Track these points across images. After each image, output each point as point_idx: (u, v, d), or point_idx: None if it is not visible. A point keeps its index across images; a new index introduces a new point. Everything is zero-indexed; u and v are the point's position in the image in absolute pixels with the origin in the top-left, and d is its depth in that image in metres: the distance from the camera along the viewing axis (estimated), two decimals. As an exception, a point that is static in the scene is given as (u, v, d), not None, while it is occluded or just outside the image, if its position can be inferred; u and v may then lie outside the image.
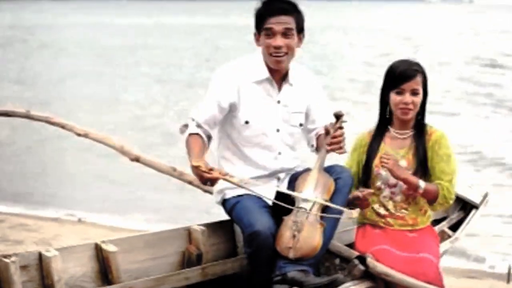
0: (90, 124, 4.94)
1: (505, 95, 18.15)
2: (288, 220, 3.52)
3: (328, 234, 3.60)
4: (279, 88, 3.81)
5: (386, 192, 3.83)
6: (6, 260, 3.31)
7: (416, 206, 3.84)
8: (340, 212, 3.56)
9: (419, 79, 3.75)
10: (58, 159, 11.09)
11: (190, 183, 4.10)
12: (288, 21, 3.68)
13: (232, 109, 3.75)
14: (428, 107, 3.90)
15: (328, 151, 3.68)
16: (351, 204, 3.75)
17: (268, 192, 3.68)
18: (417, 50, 27.58)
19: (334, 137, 3.64)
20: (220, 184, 3.83)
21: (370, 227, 3.84)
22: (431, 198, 3.78)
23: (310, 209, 3.51)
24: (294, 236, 3.46)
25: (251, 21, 3.82)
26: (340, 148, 3.67)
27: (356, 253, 3.67)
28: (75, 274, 3.54)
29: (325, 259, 3.91)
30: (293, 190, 3.66)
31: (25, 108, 4.72)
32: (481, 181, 9.07)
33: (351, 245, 3.86)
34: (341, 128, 3.69)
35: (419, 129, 3.87)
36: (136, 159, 4.39)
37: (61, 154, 11.27)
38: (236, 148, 3.82)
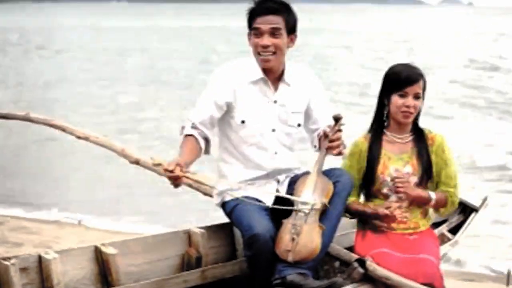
0: (88, 127, 4.94)
1: (497, 98, 18.20)
2: (287, 223, 3.52)
3: (327, 237, 3.59)
4: (276, 88, 3.81)
5: (393, 198, 3.82)
6: (6, 262, 3.32)
7: (418, 209, 3.85)
8: (339, 215, 3.56)
9: (421, 83, 3.77)
10: (56, 161, 11.08)
11: (189, 186, 4.09)
12: (276, 21, 3.69)
13: (229, 109, 3.76)
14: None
15: (326, 154, 3.68)
16: (369, 218, 3.78)
17: (267, 195, 3.68)
18: (410, 53, 27.58)
19: (333, 140, 3.64)
20: (220, 187, 3.84)
21: (370, 232, 3.84)
22: (441, 207, 3.85)
23: (309, 212, 3.51)
24: (293, 239, 3.46)
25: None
26: (339, 151, 3.67)
27: (355, 256, 3.66)
28: (75, 277, 3.54)
29: (325, 262, 3.92)
30: (292, 192, 3.66)
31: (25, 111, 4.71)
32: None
33: (350, 249, 3.85)
34: (339, 131, 3.69)
35: (418, 133, 3.88)
36: (136, 162, 4.38)
37: (58, 156, 11.27)
38: (234, 149, 3.82)
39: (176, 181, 3.42)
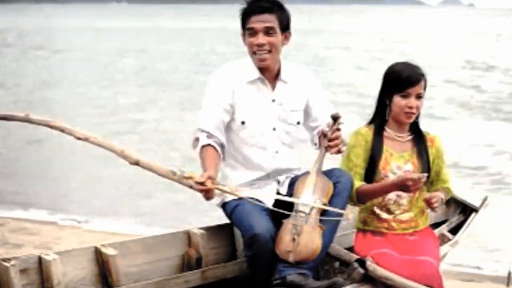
0: (87, 128, 4.93)
1: (493, 99, 18.23)
2: (288, 224, 3.51)
3: (328, 238, 3.59)
4: (273, 87, 3.82)
5: (392, 195, 3.81)
6: (6, 263, 3.31)
7: (417, 208, 3.86)
8: (340, 216, 3.56)
9: (422, 83, 3.77)
10: (56, 162, 11.08)
11: (190, 187, 4.09)
12: (270, 19, 3.70)
13: (232, 110, 3.77)
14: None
15: (325, 153, 3.67)
16: (389, 190, 3.74)
17: (267, 196, 3.68)
18: (408, 54, 27.58)
19: (332, 139, 3.64)
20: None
21: (370, 233, 3.84)
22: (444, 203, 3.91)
23: (309, 213, 3.50)
24: (293, 240, 3.46)
25: None
26: (338, 149, 3.67)
27: (355, 257, 3.66)
28: (75, 278, 3.54)
29: (325, 263, 3.92)
30: (292, 193, 3.66)
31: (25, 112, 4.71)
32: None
33: (350, 249, 3.85)
34: (338, 130, 3.68)
35: (418, 133, 3.89)
36: (136, 163, 4.37)
37: (58, 157, 11.27)
38: (235, 150, 3.83)
39: (208, 194, 3.42)
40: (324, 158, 3.69)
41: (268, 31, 3.70)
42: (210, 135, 3.69)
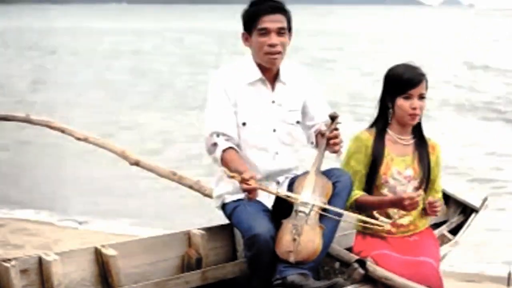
0: (86, 128, 4.94)
1: (489, 99, 18.24)
2: (288, 224, 3.51)
3: (328, 238, 3.59)
4: (273, 88, 3.82)
5: None
6: (6, 264, 3.32)
7: (416, 211, 3.83)
8: (340, 215, 3.56)
9: (424, 83, 3.76)
10: (56, 163, 11.08)
11: (190, 187, 4.10)
12: (281, 20, 3.71)
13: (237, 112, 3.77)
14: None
15: (324, 153, 3.67)
16: (386, 207, 3.77)
17: (267, 196, 3.68)
18: (406, 54, 27.60)
19: (330, 138, 3.64)
20: (219, 189, 3.84)
21: (369, 235, 3.83)
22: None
23: (309, 213, 3.50)
24: (294, 240, 3.45)
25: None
26: (337, 149, 3.67)
27: (356, 257, 3.66)
28: (75, 278, 3.55)
29: (325, 263, 3.92)
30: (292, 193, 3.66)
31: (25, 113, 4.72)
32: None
33: (350, 249, 3.85)
34: (336, 129, 3.68)
35: (420, 137, 3.88)
36: (136, 163, 4.39)
37: (58, 158, 11.27)
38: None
39: (252, 193, 3.42)
40: (323, 157, 3.68)
41: (279, 31, 3.70)
42: (228, 138, 3.69)
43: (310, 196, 3.55)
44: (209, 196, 4.19)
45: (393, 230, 3.80)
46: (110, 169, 9.72)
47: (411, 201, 3.58)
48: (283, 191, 3.64)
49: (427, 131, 3.95)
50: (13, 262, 3.34)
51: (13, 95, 17.99)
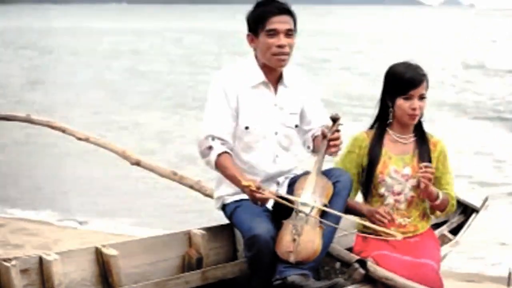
0: (85, 129, 4.94)
1: (487, 100, 18.25)
2: (288, 224, 3.51)
3: (328, 238, 3.59)
4: (275, 91, 3.81)
5: (390, 200, 3.81)
6: (7, 264, 3.32)
7: (417, 212, 3.84)
8: (339, 215, 3.56)
9: (425, 84, 3.75)
10: (56, 163, 11.08)
11: (191, 187, 4.10)
12: (289, 21, 3.71)
13: (236, 115, 3.76)
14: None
15: (325, 154, 3.67)
16: (362, 216, 3.79)
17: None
18: (405, 54, 27.56)
19: (331, 139, 3.64)
20: (220, 191, 3.83)
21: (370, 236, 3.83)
22: (442, 208, 3.83)
23: (309, 213, 3.50)
24: (294, 240, 3.45)
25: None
26: (337, 150, 3.67)
27: (356, 257, 3.66)
28: (76, 278, 3.55)
29: (326, 263, 3.92)
30: (292, 193, 3.65)
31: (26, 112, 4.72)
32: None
33: (351, 249, 3.85)
34: (338, 131, 3.68)
35: (421, 135, 3.86)
36: (137, 163, 4.39)
37: (59, 158, 11.27)
38: (236, 155, 3.80)
39: (263, 202, 3.48)
40: (324, 159, 3.68)
41: (288, 33, 3.69)
42: (224, 142, 3.69)
43: (311, 197, 3.55)
44: (209, 196, 4.19)
45: (392, 230, 3.79)
46: (110, 169, 9.73)
47: (380, 218, 3.69)
48: (285, 194, 3.63)
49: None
50: (13, 262, 3.33)
51: (12, 95, 18.00)
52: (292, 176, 3.88)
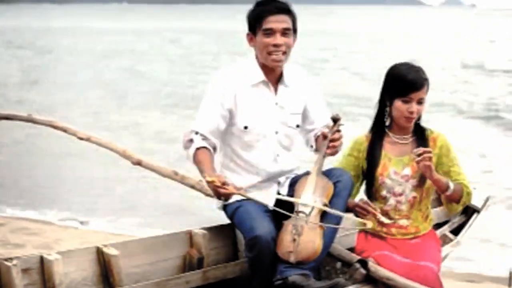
0: (85, 129, 4.94)
1: (485, 101, 18.27)
2: (288, 225, 3.51)
3: (329, 238, 3.59)
4: (275, 90, 3.81)
5: (392, 201, 3.80)
6: (8, 263, 3.31)
7: (419, 213, 3.83)
8: (340, 215, 3.56)
9: (425, 88, 3.71)
10: (58, 163, 11.09)
11: (192, 187, 4.09)
12: (287, 20, 3.71)
13: (230, 116, 3.75)
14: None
15: (326, 155, 3.67)
16: (353, 211, 3.78)
17: (268, 198, 3.68)
18: (404, 55, 27.57)
19: (332, 140, 3.64)
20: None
21: (371, 235, 3.83)
22: (457, 198, 3.77)
23: (310, 213, 3.50)
24: (294, 240, 3.46)
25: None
26: (337, 151, 3.67)
27: (357, 257, 3.66)
28: (77, 278, 3.54)
29: (326, 263, 3.91)
30: (293, 194, 3.66)
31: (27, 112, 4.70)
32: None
33: (352, 249, 3.85)
34: (338, 131, 3.68)
35: (420, 134, 3.84)
36: (138, 163, 4.37)
37: (59, 157, 11.27)
38: (235, 155, 3.81)
39: (227, 197, 3.48)
40: (324, 159, 3.68)
41: (285, 32, 3.69)
42: (205, 138, 3.70)
43: (311, 197, 3.55)
44: (211, 196, 4.18)
45: (393, 231, 3.80)
46: (110, 169, 9.74)
47: (361, 210, 3.73)
48: (285, 195, 3.63)
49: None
50: (14, 262, 3.33)
51: (12, 95, 18.00)
52: (293, 176, 3.88)
